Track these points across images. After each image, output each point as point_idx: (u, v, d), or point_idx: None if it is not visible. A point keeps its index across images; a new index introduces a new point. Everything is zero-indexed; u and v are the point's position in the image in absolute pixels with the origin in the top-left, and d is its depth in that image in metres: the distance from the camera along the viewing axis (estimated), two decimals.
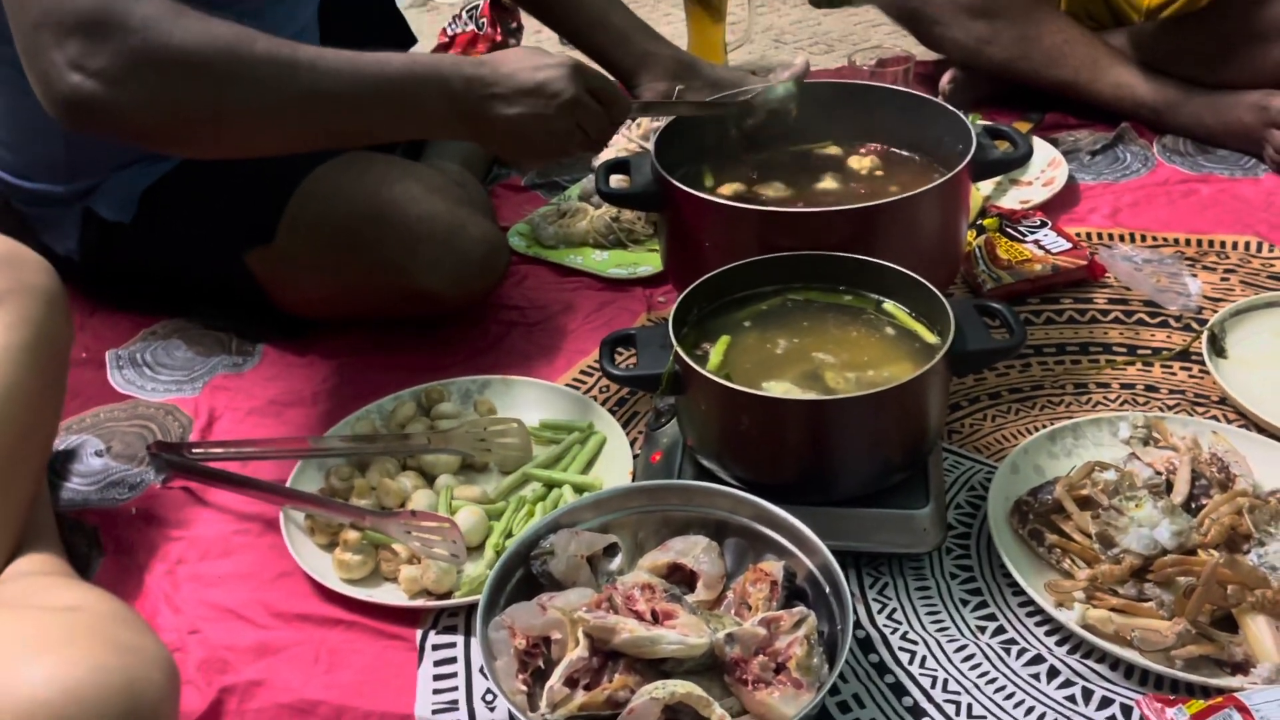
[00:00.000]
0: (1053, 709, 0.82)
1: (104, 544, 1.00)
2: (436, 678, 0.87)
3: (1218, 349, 1.14)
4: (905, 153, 1.21)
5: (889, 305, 1.00)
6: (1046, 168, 1.49)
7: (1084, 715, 0.81)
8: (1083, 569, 0.88)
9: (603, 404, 1.12)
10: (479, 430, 1.05)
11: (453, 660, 0.89)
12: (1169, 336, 1.19)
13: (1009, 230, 1.32)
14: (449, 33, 2.01)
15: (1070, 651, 0.86)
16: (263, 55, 0.93)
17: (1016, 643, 0.87)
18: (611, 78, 1.07)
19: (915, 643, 0.87)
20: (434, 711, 0.85)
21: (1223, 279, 1.27)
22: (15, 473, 0.85)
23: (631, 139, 1.49)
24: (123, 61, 0.88)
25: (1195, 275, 1.27)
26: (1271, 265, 1.29)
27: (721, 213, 1.06)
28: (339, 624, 0.92)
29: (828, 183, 1.18)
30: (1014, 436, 1.07)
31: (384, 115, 1.00)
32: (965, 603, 0.91)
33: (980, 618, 0.90)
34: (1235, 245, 1.33)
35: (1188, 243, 1.34)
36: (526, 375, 1.18)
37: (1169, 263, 1.28)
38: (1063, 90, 1.60)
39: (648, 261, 1.37)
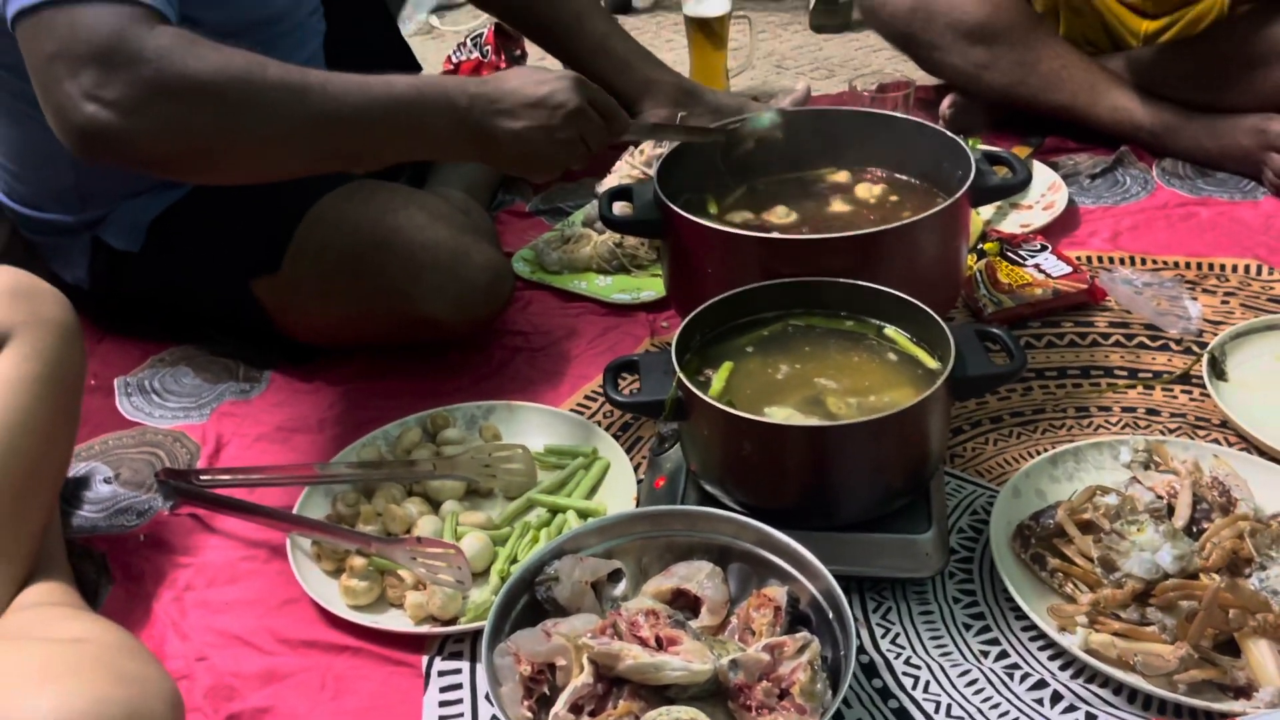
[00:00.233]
0: None
1: (112, 571, 1.01)
2: (442, 704, 0.88)
3: (1218, 372, 1.15)
4: (907, 178, 1.22)
5: (890, 330, 1.00)
6: (1047, 191, 1.50)
7: None
8: (1085, 593, 0.88)
9: (606, 429, 1.13)
10: (484, 456, 1.05)
11: (458, 686, 0.89)
12: (1170, 360, 1.20)
13: (1010, 254, 1.33)
14: (453, 60, 2.02)
15: (1074, 676, 0.86)
16: (274, 82, 0.95)
17: (1020, 667, 0.87)
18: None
19: (919, 667, 0.88)
20: None
21: (1223, 302, 1.28)
22: (28, 502, 0.86)
23: (635, 165, 1.51)
24: (137, 91, 0.90)
25: (1195, 298, 1.28)
26: (1271, 288, 1.30)
27: (722, 240, 1.07)
28: (345, 650, 0.92)
29: (835, 208, 1.19)
30: (1016, 460, 1.08)
31: (393, 136, 1.02)
32: (968, 627, 0.91)
33: (983, 642, 0.90)
34: (1235, 268, 1.34)
35: (1188, 266, 1.35)
36: (531, 400, 1.19)
37: (1169, 286, 1.29)
38: (1062, 114, 1.61)
39: (651, 286, 1.38)
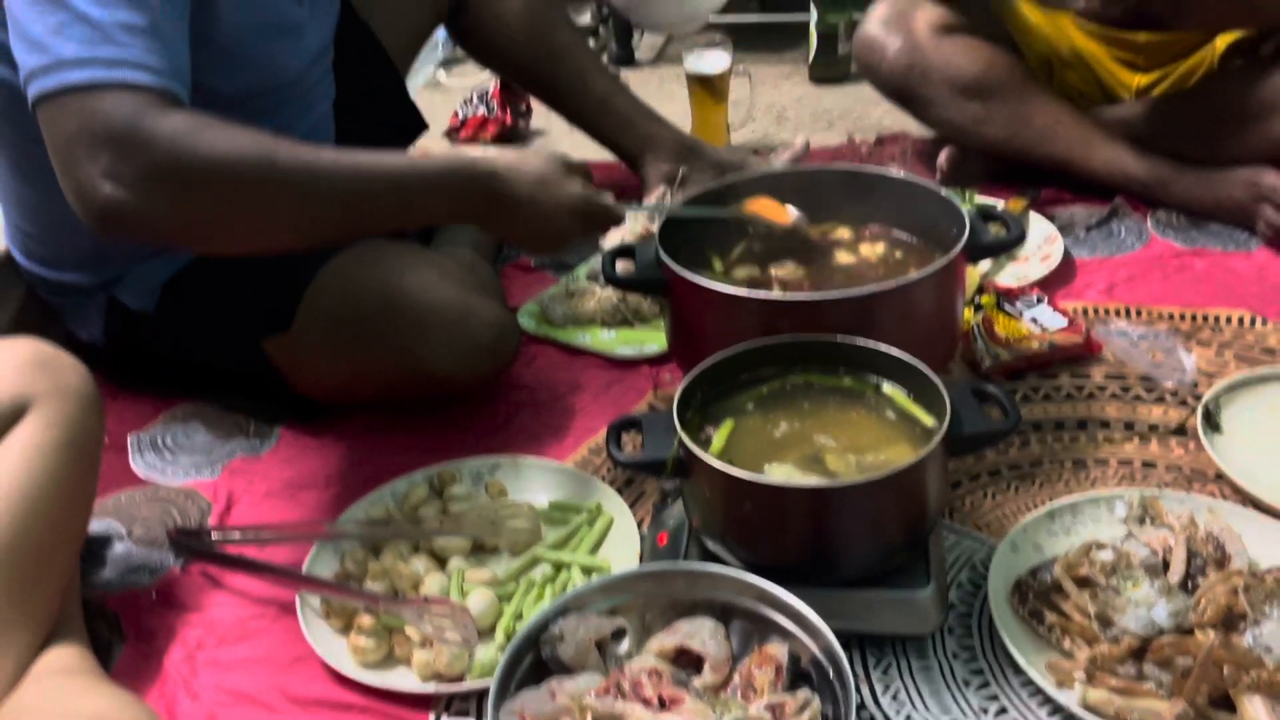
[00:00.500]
0: None
1: (125, 630, 1.03)
2: None
3: (1213, 425, 1.16)
4: (905, 235, 1.25)
5: (887, 388, 1.02)
6: (1043, 243, 1.53)
7: None
8: (1083, 649, 0.89)
9: (610, 483, 1.15)
10: (490, 513, 1.07)
11: None
12: (1165, 412, 1.22)
13: (1006, 307, 1.35)
14: (460, 115, 2.07)
15: None
16: (285, 163, 0.99)
17: None
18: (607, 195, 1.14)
19: None
20: None
21: (1217, 353, 1.30)
22: (49, 567, 0.89)
23: (638, 220, 1.54)
24: (151, 175, 0.94)
25: (1190, 350, 1.29)
26: (1265, 339, 1.32)
27: (723, 299, 1.09)
28: (353, 709, 0.94)
29: (839, 261, 1.22)
30: (1014, 514, 1.09)
31: (400, 212, 1.08)
32: (968, 683, 0.92)
33: (984, 698, 0.91)
34: (1229, 319, 1.36)
35: (1182, 317, 1.37)
36: (536, 455, 1.21)
37: (1164, 338, 1.31)
38: (1057, 167, 1.64)
39: (654, 340, 1.41)
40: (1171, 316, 1.37)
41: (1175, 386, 1.25)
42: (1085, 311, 1.40)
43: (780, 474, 0.93)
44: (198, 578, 1.08)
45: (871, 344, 1.02)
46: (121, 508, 1.19)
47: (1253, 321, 1.35)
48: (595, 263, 1.53)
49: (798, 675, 0.85)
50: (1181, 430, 1.18)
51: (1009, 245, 1.15)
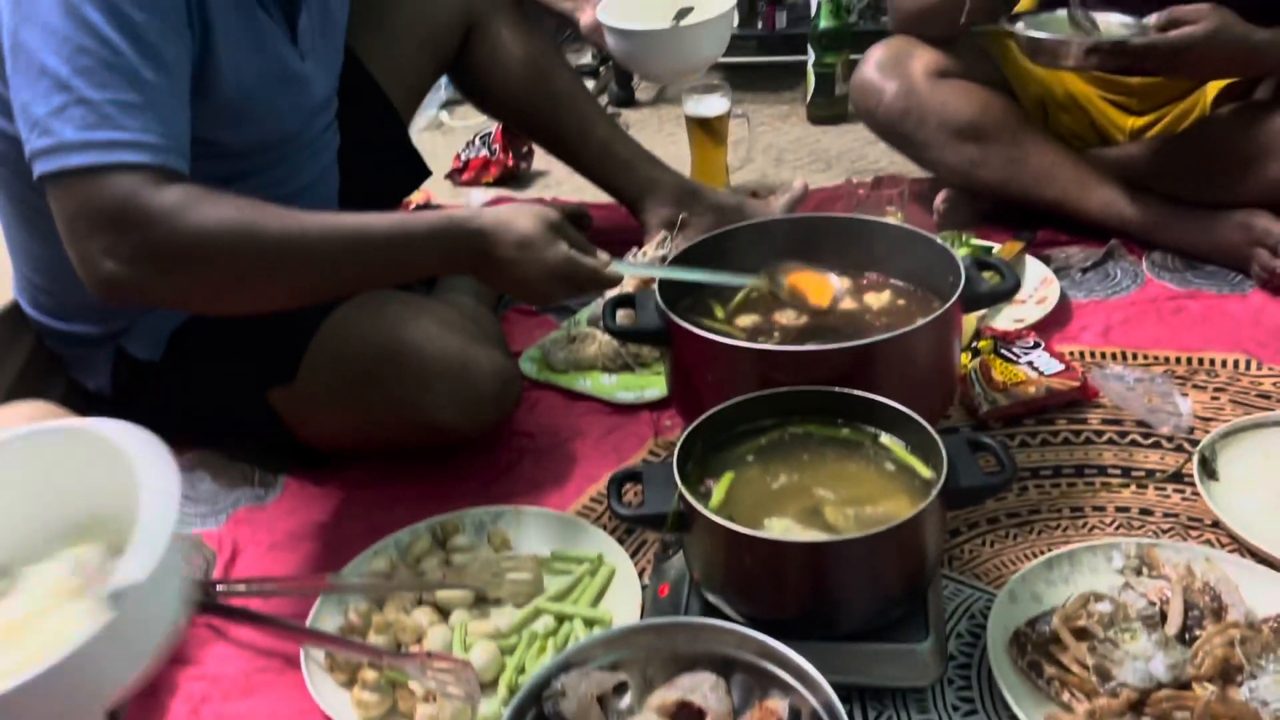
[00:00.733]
0: None
1: None
2: None
3: (1209, 471, 1.17)
4: (902, 282, 1.26)
5: (885, 439, 1.03)
6: (1039, 286, 1.54)
7: None
8: (1082, 702, 0.90)
9: (612, 531, 1.16)
10: (492, 566, 1.08)
11: None
12: (1162, 458, 1.23)
13: (1003, 352, 1.37)
14: (462, 158, 2.09)
15: None
16: (275, 232, 1.04)
17: None
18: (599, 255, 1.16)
19: None
20: None
21: (1213, 397, 1.31)
22: None
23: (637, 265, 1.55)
24: (146, 254, 1.00)
25: (1186, 394, 1.31)
26: (1260, 383, 1.33)
27: (723, 350, 1.11)
28: None
29: (841, 307, 1.23)
30: (1013, 562, 1.10)
31: (390, 271, 1.14)
32: None
33: None
34: (1224, 363, 1.37)
35: (1178, 361, 1.38)
36: (538, 503, 1.22)
37: (1159, 382, 1.32)
38: (1052, 209, 1.66)
39: (654, 385, 1.42)
40: (1167, 360, 1.39)
41: (1171, 432, 1.26)
42: (1082, 355, 1.41)
43: (779, 528, 0.94)
44: (203, 630, 1.09)
45: (868, 395, 1.03)
46: None
47: (1248, 365, 1.36)
48: (597, 307, 1.55)
49: None
50: (1178, 477, 1.19)
51: (1004, 295, 1.17)
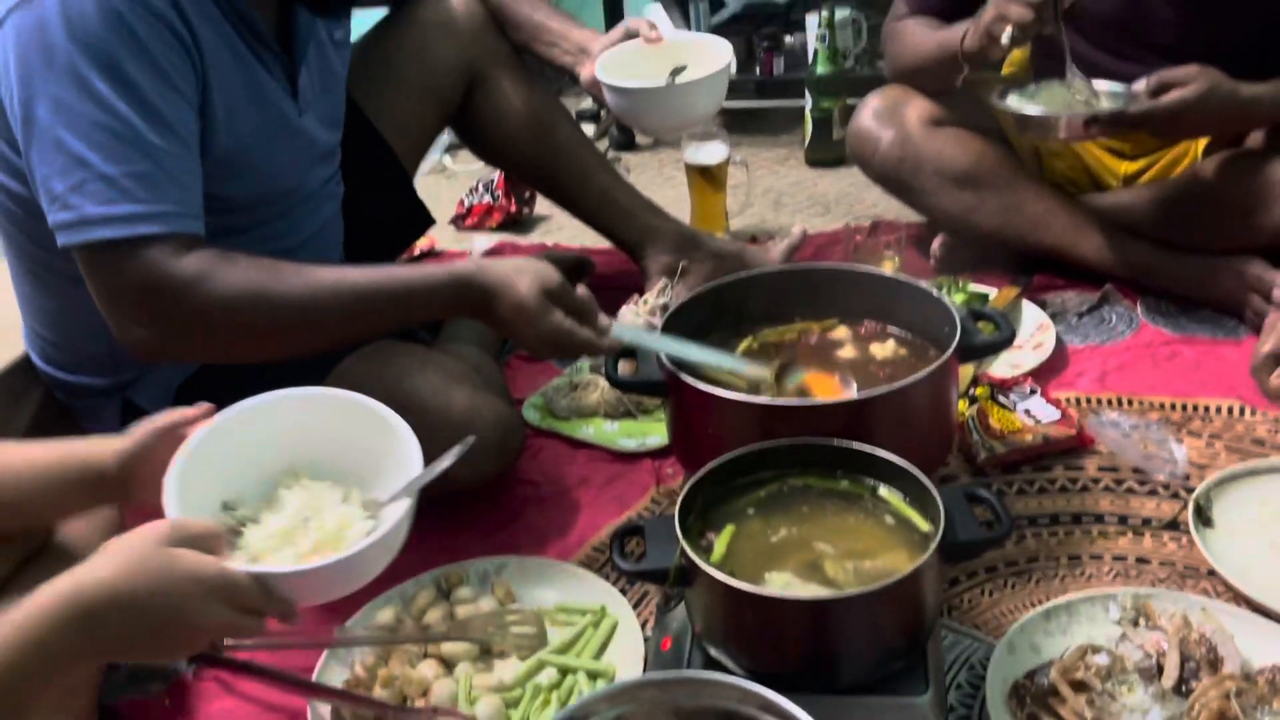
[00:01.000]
0: None
1: None
2: None
3: (1204, 519, 1.18)
4: (899, 331, 1.28)
5: (884, 491, 1.05)
6: (1036, 331, 1.56)
7: None
8: None
9: (614, 582, 1.17)
10: (496, 618, 1.09)
11: None
12: (1158, 505, 1.24)
13: (1000, 399, 1.38)
14: (465, 204, 2.12)
15: None
16: (290, 295, 1.11)
17: None
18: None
19: None
20: None
21: (1208, 444, 1.32)
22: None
23: (639, 315, 1.57)
24: (172, 321, 1.10)
25: (1181, 441, 1.32)
26: (1254, 429, 1.34)
27: (723, 403, 1.12)
28: None
29: (846, 357, 1.25)
30: (1011, 611, 1.11)
31: (400, 322, 1.21)
32: None
33: None
34: (1219, 409, 1.38)
35: (1173, 407, 1.40)
36: (542, 552, 1.23)
37: (1155, 429, 1.33)
38: (1048, 254, 1.68)
39: (656, 432, 1.44)
40: (1162, 406, 1.40)
41: (1167, 479, 1.27)
42: (1078, 401, 1.43)
43: (780, 583, 0.96)
44: (210, 684, 1.10)
45: (867, 448, 1.05)
46: None
47: (1242, 411, 1.38)
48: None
49: None
50: (1174, 525, 1.20)
51: (1000, 346, 1.19)
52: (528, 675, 1.07)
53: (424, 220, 1.66)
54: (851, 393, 1.16)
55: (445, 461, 0.96)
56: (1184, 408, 1.39)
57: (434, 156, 2.42)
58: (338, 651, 1.09)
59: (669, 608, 1.09)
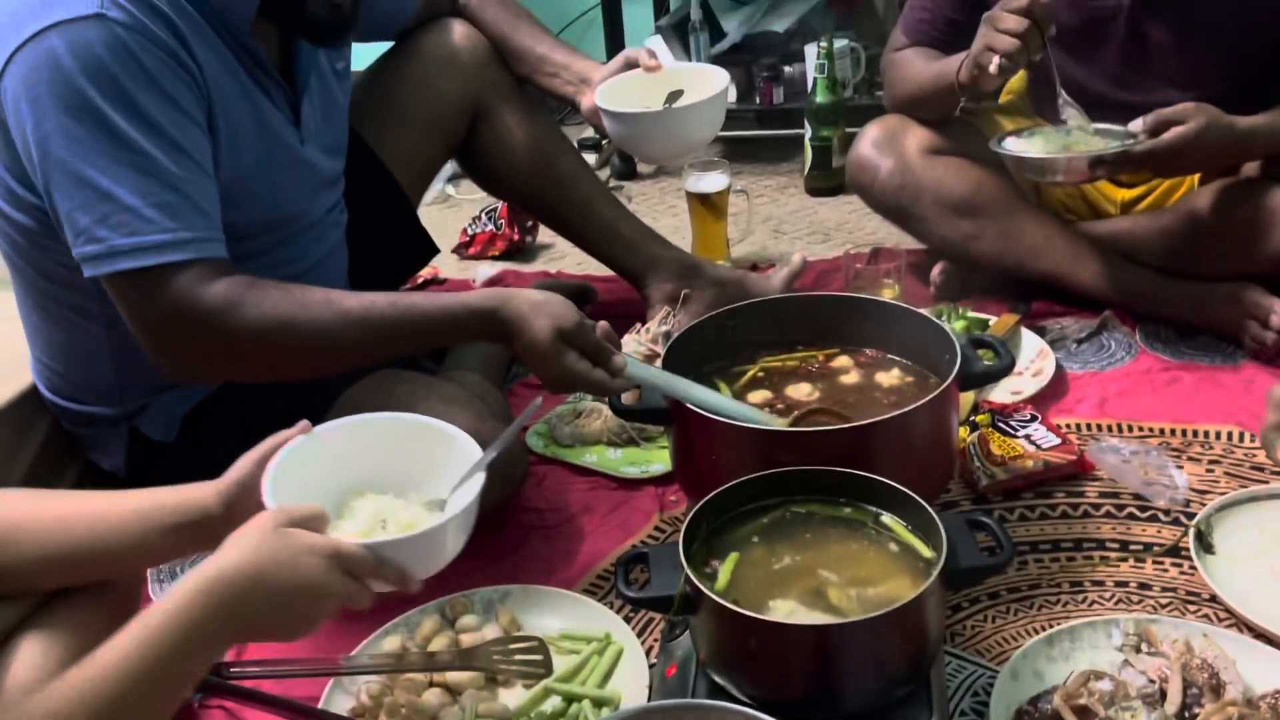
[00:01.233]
0: None
1: None
2: None
3: (1205, 545, 1.19)
4: (899, 358, 1.29)
5: (886, 518, 1.05)
6: (1035, 358, 1.57)
7: None
8: None
9: (619, 609, 1.17)
10: (501, 646, 1.10)
11: None
12: (1159, 531, 1.25)
13: (1001, 425, 1.39)
14: (469, 233, 2.14)
15: None
16: (318, 321, 1.14)
17: None
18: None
19: None
20: None
21: (1208, 470, 1.33)
22: None
23: (641, 342, 1.59)
24: (205, 347, 1.14)
25: (1181, 467, 1.33)
26: (1254, 455, 1.35)
27: (725, 431, 1.14)
28: None
29: (851, 383, 1.26)
30: (1014, 638, 1.12)
31: (423, 348, 1.29)
32: None
33: None
34: (1218, 435, 1.39)
35: (1173, 433, 1.41)
36: (546, 580, 1.24)
37: (1155, 455, 1.34)
38: (1047, 281, 1.70)
39: (659, 459, 1.44)
40: (1162, 432, 1.41)
41: (1168, 505, 1.28)
42: (1078, 427, 1.43)
43: (784, 610, 0.96)
44: (215, 712, 1.10)
45: (869, 475, 1.05)
46: None
47: (1241, 437, 1.39)
48: None
49: None
50: (1175, 551, 1.21)
51: (999, 374, 1.20)
52: (533, 703, 1.07)
53: (428, 249, 1.68)
54: None
55: (502, 441, 1.00)
56: (1184, 433, 1.40)
57: (437, 186, 2.44)
58: (343, 680, 1.10)
59: (673, 635, 1.09)
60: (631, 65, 1.57)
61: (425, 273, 1.95)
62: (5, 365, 1.42)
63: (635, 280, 1.72)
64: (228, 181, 1.20)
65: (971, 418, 1.41)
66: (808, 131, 2.26)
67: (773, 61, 2.44)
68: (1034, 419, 1.40)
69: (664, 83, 1.55)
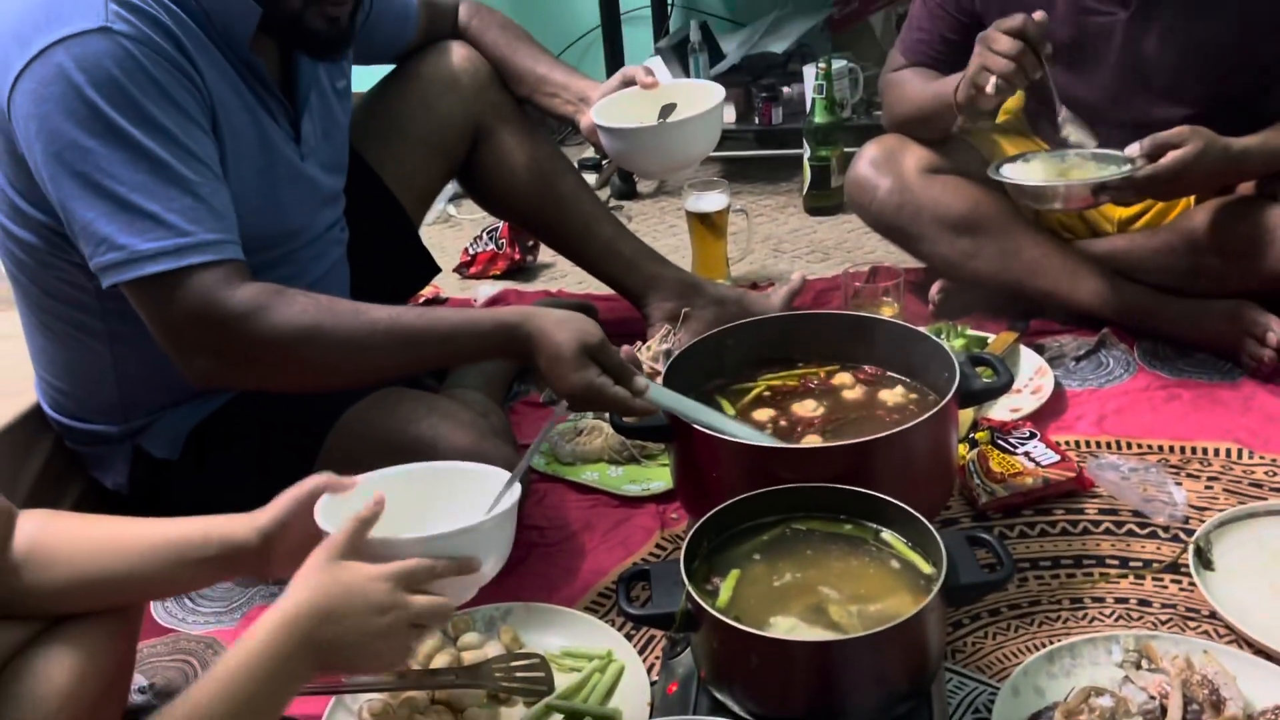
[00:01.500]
0: None
1: None
2: None
3: (1204, 561, 1.19)
4: (899, 375, 1.30)
5: (886, 535, 1.06)
6: (1034, 375, 1.58)
7: None
8: None
9: (620, 626, 1.18)
10: (503, 664, 1.10)
11: None
12: (1159, 548, 1.25)
13: (1000, 442, 1.40)
14: (470, 252, 2.15)
15: None
16: (344, 331, 1.15)
17: None
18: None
19: None
20: None
21: (1206, 487, 1.34)
22: None
23: (644, 360, 1.59)
24: (230, 351, 1.14)
25: (1180, 484, 1.33)
26: (1252, 472, 1.36)
27: (726, 448, 1.14)
28: None
29: (855, 398, 1.27)
30: (1015, 654, 1.12)
31: (445, 363, 1.32)
32: None
33: None
34: (1217, 452, 1.40)
35: (1171, 450, 1.41)
36: (548, 598, 1.24)
37: (1154, 472, 1.35)
38: (1045, 299, 1.71)
39: (660, 477, 1.45)
40: (1161, 449, 1.42)
41: (1167, 522, 1.28)
42: (1077, 445, 1.44)
43: (785, 627, 0.96)
44: None
45: (869, 492, 1.06)
46: (143, 659, 1.21)
47: (1239, 454, 1.39)
48: None
49: None
50: (1175, 567, 1.21)
51: (998, 392, 1.21)
52: None
53: (429, 268, 1.69)
54: None
55: (533, 449, 1.06)
56: (1182, 450, 1.41)
57: (439, 206, 2.45)
58: (344, 698, 1.10)
59: (675, 652, 1.10)
60: (629, 83, 1.59)
61: (427, 292, 1.96)
62: (9, 384, 1.42)
63: (635, 299, 1.73)
64: (233, 193, 1.21)
65: (971, 435, 1.42)
66: (806, 151, 2.27)
67: (771, 82, 2.45)
68: (1033, 436, 1.41)
69: (661, 99, 1.56)
